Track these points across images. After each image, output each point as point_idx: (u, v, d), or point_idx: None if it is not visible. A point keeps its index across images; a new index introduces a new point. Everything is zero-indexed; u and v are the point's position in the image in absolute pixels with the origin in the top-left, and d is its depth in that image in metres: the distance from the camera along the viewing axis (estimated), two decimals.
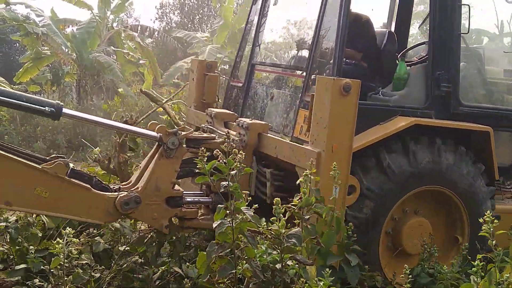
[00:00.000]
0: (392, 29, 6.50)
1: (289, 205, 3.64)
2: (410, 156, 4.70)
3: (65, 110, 4.27)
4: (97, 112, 16.75)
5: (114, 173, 5.80)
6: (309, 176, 3.73)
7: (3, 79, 15.01)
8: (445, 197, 4.94)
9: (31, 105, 4.17)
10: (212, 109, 5.68)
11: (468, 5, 4.98)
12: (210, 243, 3.47)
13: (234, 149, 3.42)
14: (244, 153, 3.53)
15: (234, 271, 3.36)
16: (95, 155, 5.96)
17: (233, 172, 3.37)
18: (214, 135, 5.14)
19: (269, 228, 3.39)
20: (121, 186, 4.74)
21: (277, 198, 3.40)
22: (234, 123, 5.34)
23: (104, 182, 4.66)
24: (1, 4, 17.24)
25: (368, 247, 4.60)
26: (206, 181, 3.55)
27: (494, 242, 3.21)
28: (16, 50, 25.81)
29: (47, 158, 4.32)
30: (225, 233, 3.33)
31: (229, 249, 3.37)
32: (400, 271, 3.73)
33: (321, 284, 3.10)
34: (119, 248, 4.94)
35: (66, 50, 17.36)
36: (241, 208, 3.38)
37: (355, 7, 5.77)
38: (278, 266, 3.36)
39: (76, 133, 13.57)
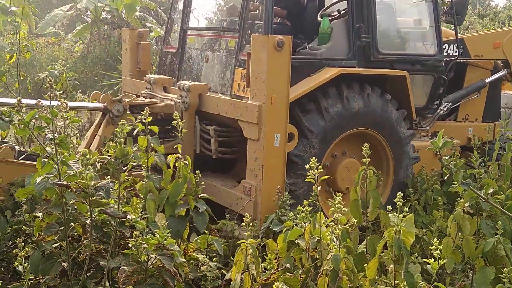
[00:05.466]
0: None
1: (105, 156, 3.39)
2: (344, 101, 5.14)
3: None
4: None
5: None
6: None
7: None
8: (374, 140, 5.44)
9: None
10: (151, 75, 5.83)
11: None
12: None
13: (59, 99, 3.04)
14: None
15: (63, 228, 3.12)
16: None
17: (60, 124, 3.02)
18: (155, 100, 5.33)
19: (76, 181, 3.04)
20: None
21: (84, 149, 3.11)
22: (174, 87, 5.55)
23: None
24: None
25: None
26: (28, 134, 3.14)
27: (319, 187, 3.29)
28: None
29: None
30: (52, 189, 3.04)
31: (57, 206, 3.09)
32: None
33: (157, 236, 3.00)
34: None
35: None
36: (69, 162, 3.03)
37: None
38: (88, 221, 3.10)
39: None
